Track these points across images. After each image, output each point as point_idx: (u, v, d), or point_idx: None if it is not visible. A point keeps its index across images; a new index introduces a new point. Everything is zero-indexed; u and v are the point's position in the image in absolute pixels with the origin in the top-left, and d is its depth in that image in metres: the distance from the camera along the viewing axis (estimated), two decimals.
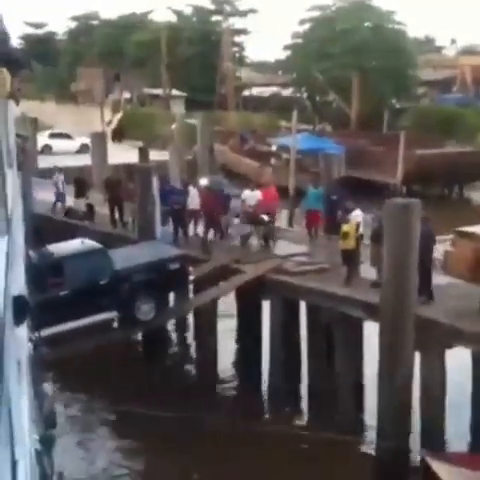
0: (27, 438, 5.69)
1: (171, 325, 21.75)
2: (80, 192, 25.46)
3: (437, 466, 13.68)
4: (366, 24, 62.01)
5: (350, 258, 17.22)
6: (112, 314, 17.78)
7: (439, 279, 16.03)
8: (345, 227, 17.17)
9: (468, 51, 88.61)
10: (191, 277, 18.96)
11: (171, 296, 20.24)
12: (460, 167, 39.39)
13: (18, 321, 5.42)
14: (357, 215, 17.41)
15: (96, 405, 17.75)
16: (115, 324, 18.60)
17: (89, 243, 18.52)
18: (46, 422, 8.58)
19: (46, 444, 7.77)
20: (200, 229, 21.12)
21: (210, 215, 20.65)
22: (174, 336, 22.04)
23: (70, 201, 25.65)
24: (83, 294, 17.06)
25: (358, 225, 17.25)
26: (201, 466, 15.16)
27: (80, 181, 26.01)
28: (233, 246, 20.44)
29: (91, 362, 17.55)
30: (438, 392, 14.54)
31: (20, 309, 5.31)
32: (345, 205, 18.06)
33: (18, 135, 25.90)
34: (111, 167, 30.19)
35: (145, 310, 17.77)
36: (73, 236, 20.25)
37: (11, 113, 9.97)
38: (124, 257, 18.39)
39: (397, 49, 59.32)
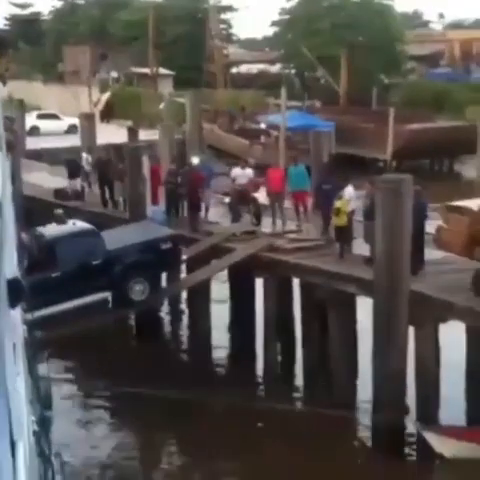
0: (25, 419, 5.68)
1: (164, 305, 21.74)
2: (73, 173, 25.29)
3: (432, 438, 13.82)
4: None
5: (343, 234, 17.22)
6: (105, 295, 17.76)
7: (432, 254, 16.05)
8: (338, 203, 17.13)
9: (455, 26, 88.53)
10: (184, 257, 18.94)
11: (164, 276, 20.20)
12: (450, 142, 39.34)
13: (13, 303, 5.38)
14: (349, 192, 17.37)
15: (91, 385, 17.77)
16: (109, 305, 18.58)
17: (81, 224, 18.47)
18: (42, 403, 8.58)
19: (43, 425, 7.77)
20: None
21: (193, 195, 20.58)
22: (167, 315, 22.03)
23: (64, 183, 25.51)
24: (76, 275, 17.04)
25: (349, 201, 17.20)
26: (197, 445, 15.23)
27: (72, 162, 25.84)
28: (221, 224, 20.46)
29: (84, 343, 17.53)
30: (432, 366, 14.65)
31: (14, 292, 5.27)
32: (338, 190, 17.75)
33: (6, 117, 25.69)
34: (100, 147, 30.01)
35: (138, 290, 17.75)
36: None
37: None
38: (116, 237, 18.35)
39: (385, 24, 59.04)
